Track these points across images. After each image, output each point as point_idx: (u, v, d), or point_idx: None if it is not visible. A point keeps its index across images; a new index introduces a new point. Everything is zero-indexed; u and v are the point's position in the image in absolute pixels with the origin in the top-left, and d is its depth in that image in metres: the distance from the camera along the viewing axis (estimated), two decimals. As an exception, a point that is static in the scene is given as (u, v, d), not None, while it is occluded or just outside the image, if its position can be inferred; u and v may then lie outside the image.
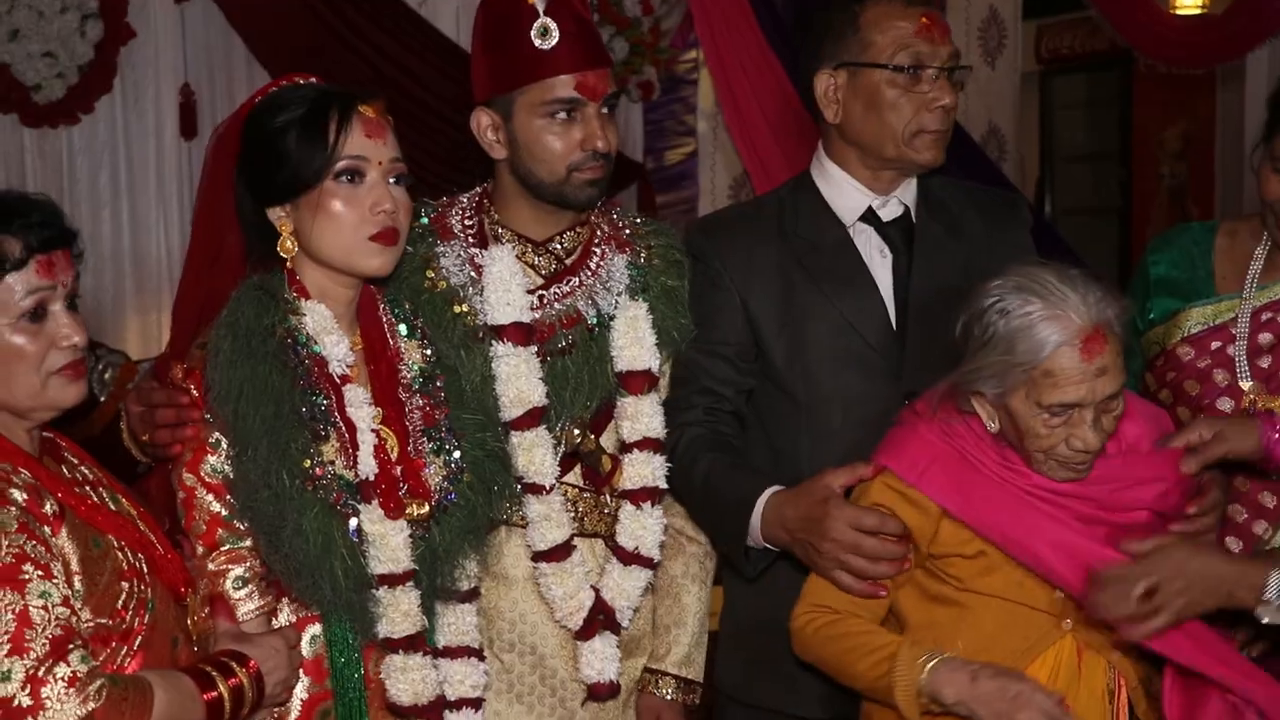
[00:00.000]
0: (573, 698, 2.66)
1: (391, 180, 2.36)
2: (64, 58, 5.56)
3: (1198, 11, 8.12)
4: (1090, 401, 2.25)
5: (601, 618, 2.60)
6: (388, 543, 2.31)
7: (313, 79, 2.43)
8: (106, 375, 5.00)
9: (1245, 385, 2.71)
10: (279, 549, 2.26)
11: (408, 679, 2.35)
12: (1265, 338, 2.71)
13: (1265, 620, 2.22)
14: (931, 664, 2.25)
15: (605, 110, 2.60)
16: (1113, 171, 10.63)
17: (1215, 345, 2.75)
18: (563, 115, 2.56)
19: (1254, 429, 2.47)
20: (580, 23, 2.57)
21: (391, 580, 2.32)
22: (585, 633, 2.60)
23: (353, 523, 2.30)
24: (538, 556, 2.58)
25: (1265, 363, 2.71)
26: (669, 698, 2.73)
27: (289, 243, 2.36)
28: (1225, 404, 2.72)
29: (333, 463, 2.31)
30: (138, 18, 5.70)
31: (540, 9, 2.53)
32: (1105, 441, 2.31)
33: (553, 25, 2.53)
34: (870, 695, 2.35)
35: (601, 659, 2.60)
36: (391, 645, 2.35)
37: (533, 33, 2.53)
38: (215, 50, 5.80)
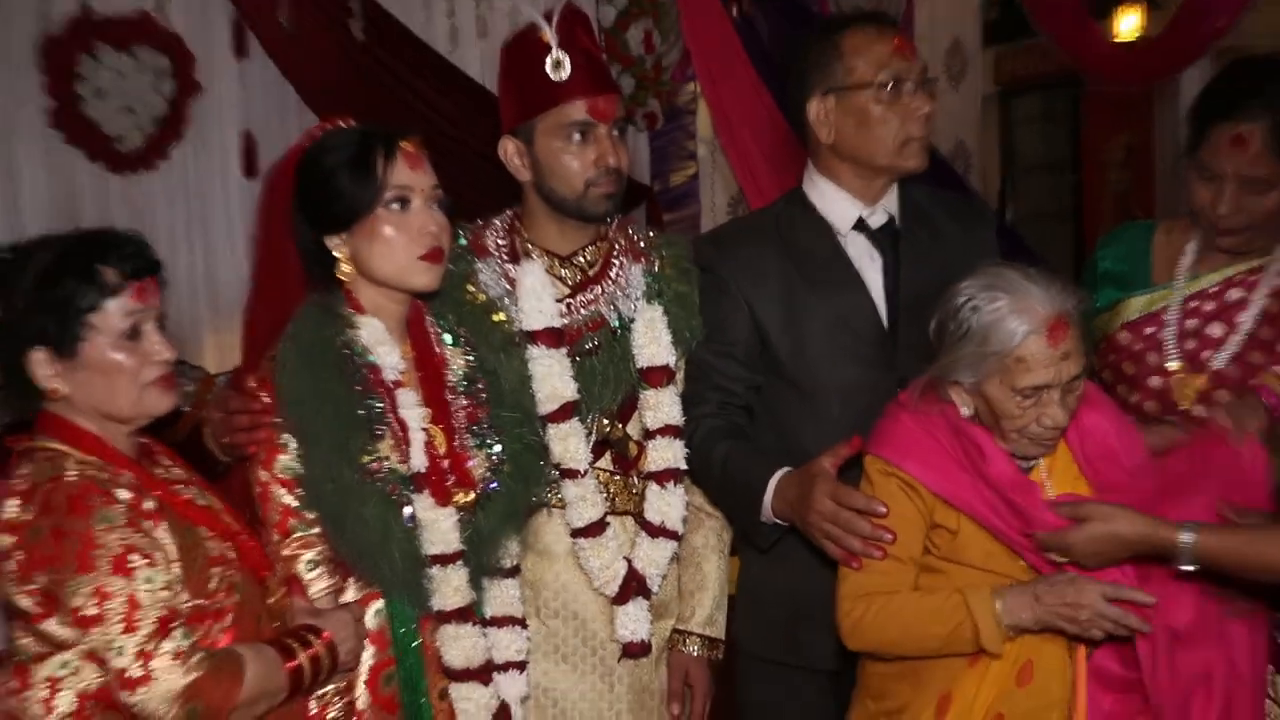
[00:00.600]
0: (611, 656, 2.65)
1: (433, 205, 2.36)
2: (142, 111, 5.57)
3: (1135, 37, 8.13)
4: (1058, 383, 2.24)
5: (634, 584, 2.61)
6: (438, 527, 2.31)
7: (351, 121, 2.43)
8: (188, 388, 5.00)
9: (1172, 365, 2.71)
10: (343, 535, 2.27)
11: (460, 646, 2.36)
12: (1192, 323, 2.72)
13: (1183, 566, 2.21)
14: (999, 601, 2.24)
15: (615, 132, 2.59)
16: (1065, 180, 10.59)
17: (1149, 330, 2.74)
18: (577, 136, 2.55)
19: (1259, 402, 2.45)
20: (589, 56, 2.57)
21: (443, 560, 2.32)
22: (620, 598, 2.61)
23: (407, 510, 2.31)
24: (576, 533, 2.58)
25: (1191, 345, 2.71)
26: (696, 654, 2.73)
27: (346, 266, 2.36)
28: (1155, 381, 2.72)
29: (388, 458, 2.31)
30: (204, 74, 5.69)
31: (553, 45, 2.54)
32: (1070, 418, 2.29)
33: (565, 58, 2.53)
34: (945, 651, 2.29)
35: (635, 621, 2.61)
36: (444, 617, 2.35)
37: (547, 66, 2.54)
38: (272, 99, 5.79)
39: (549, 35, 2.55)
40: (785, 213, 2.75)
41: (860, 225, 2.69)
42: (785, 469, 2.51)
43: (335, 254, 2.36)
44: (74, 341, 2.04)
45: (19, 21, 5.45)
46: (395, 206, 2.32)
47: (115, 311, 2.06)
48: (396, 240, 2.33)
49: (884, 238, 2.70)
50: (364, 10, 5.69)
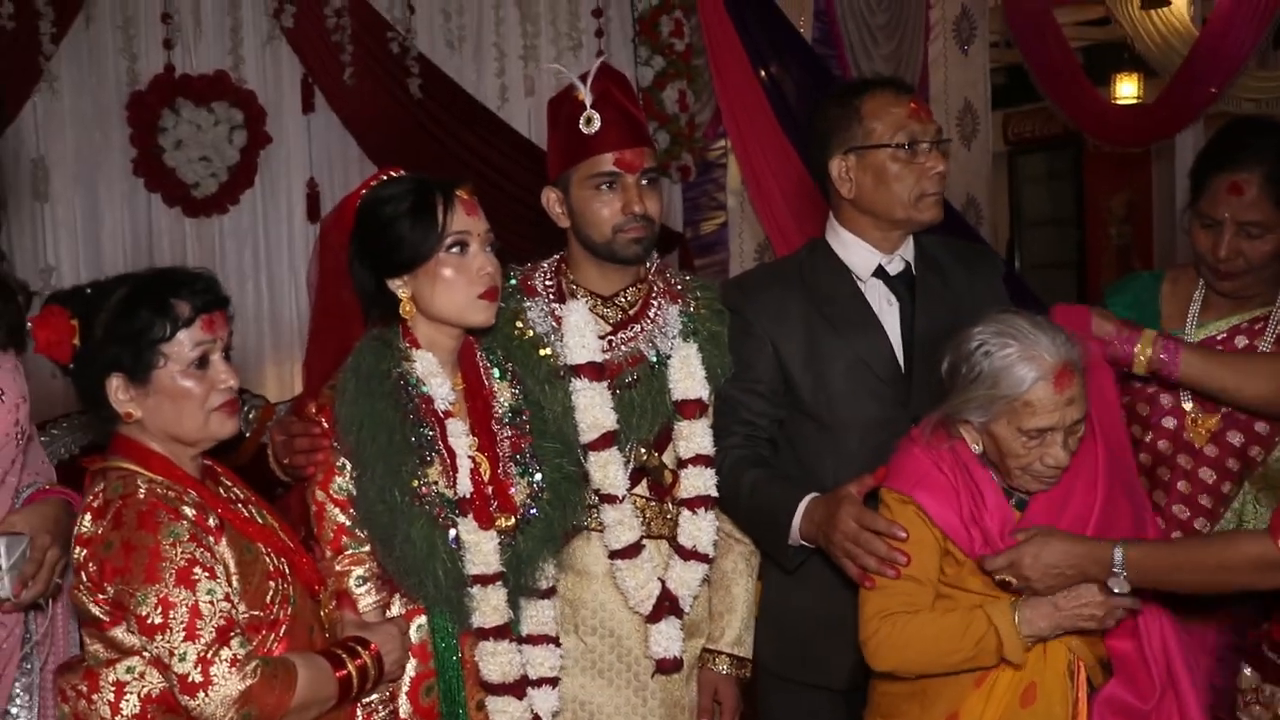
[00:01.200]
0: (645, 672, 2.61)
1: (487, 248, 2.35)
2: (216, 161, 5.62)
3: (1134, 101, 8.13)
4: (1061, 426, 2.22)
5: (667, 604, 2.57)
6: (480, 549, 2.28)
7: (403, 171, 2.41)
8: (250, 415, 5.02)
9: (1187, 406, 2.66)
10: (391, 553, 2.25)
11: (496, 661, 2.33)
12: None
13: (1115, 590, 2.19)
14: (1018, 613, 2.22)
15: (645, 182, 2.58)
16: (1069, 233, 10.56)
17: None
18: (605, 186, 2.55)
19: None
20: (622, 111, 2.57)
21: (483, 580, 2.29)
22: (654, 616, 2.57)
23: (452, 532, 2.28)
24: (613, 555, 2.56)
25: None
26: (725, 672, 2.69)
27: (408, 306, 2.34)
28: (1169, 422, 2.67)
29: (436, 483, 2.29)
30: (274, 127, 5.76)
31: (587, 103, 2.55)
32: (1071, 457, 2.26)
33: (595, 115, 2.54)
34: (968, 665, 2.26)
35: (667, 639, 2.57)
36: (483, 634, 2.32)
37: (580, 122, 2.55)
38: (335, 151, 5.84)
39: (583, 94, 2.56)
40: (808, 260, 2.72)
41: (879, 272, 2.66)
42: (813, 494, 2.49)
43: (398, 294, 2.34)
44: (147, 369, 2.05)
45: (110, 79, 5.55)
46: (455, 250, 2.31)
47: (186, 342, 2.06)
48: (457, 281, 2.31)
49: (901, 284, 2.67)
50: (421, 70, 5.74)
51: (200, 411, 2.08)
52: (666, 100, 6.17)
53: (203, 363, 2.07)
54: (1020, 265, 10.49)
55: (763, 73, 6.25)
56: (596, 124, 2.54)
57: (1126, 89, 8.27)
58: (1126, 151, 8.14)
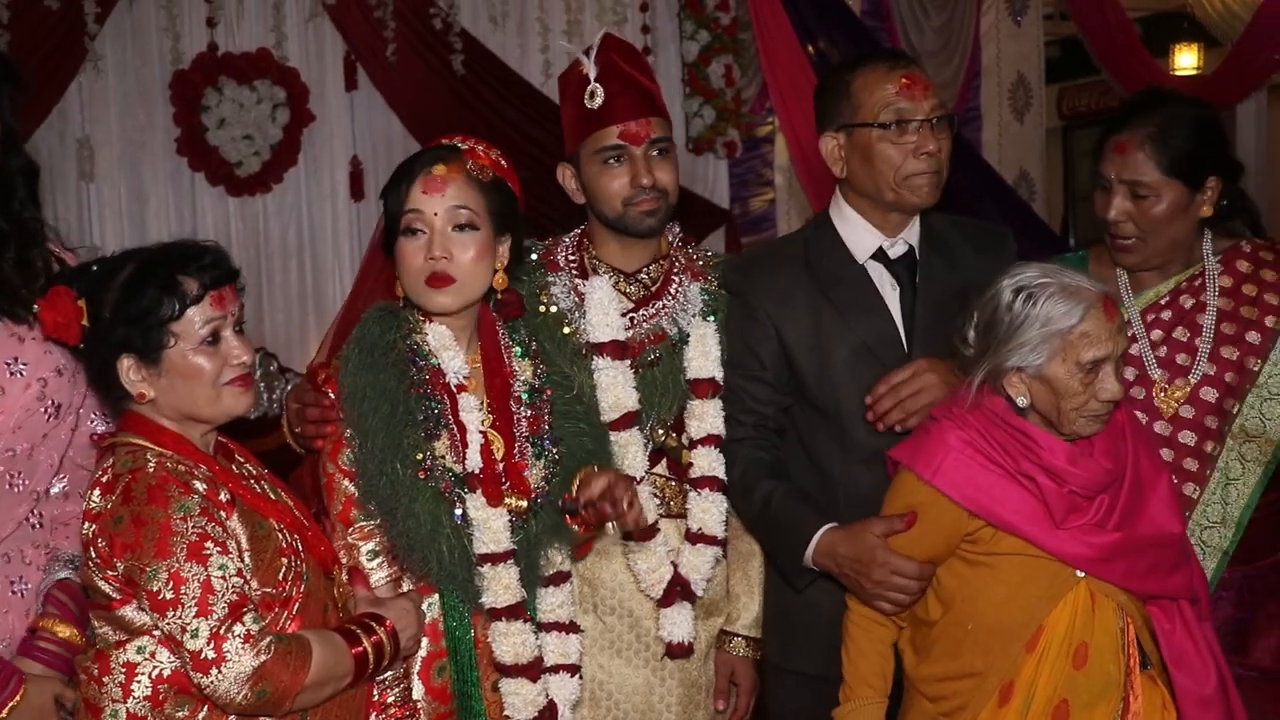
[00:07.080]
0: (662, 652, 2.58)
1: (452, 228, 2.27)
2: (259, 139, 5.65)
3: (1193, 73, 7.96)
4: (1115, 355, 2.22)
5: (679, 588, 2.53)
6: (490, 526, 2.24)
7: (457, 140, 2.34)
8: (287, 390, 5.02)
9: (1155, 375, 2.60)
10: (394, 528, 2.22)
11: (510, 643, 2.28)
12: (1157, 334, 2.64)
13: None
14: None
15: (655, 153, 2.54)
16: (1125, 209, 10.38)
17: None
18: (613, 160, 2.52)
19: None
20: (626, 83, 2.53)
21: (493, 559, 2.24)
22: (665, 601, 2.53)
23: (458, 510, 2.24)
24: (627, 535, 2.51)
25: (1163, 352, 2.62)
26: (741, 654, 2.67)
27: (399, 288, 2.33)
28: (1138, 392, 2.60)
29: (443, 457, 2.25)
30: (317, 105, 5.79)
31: (591, 76, 2.52)
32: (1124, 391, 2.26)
33: (599, 89, 2.51)
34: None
35: (678, 623, 2.53)
36: (495, 614, 2.28)
37: (585, 97, 2.52)
38: (378, 129, 5.85)
39: (587, 67, 2.53)
40: (814, 238, 2.63)
41: (879, 255, 2.57)
42: (828, 525, 2.41)
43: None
44: (158, 349, 2.02)
45: (154, 58, 5.57)
46: (411, 231, 2.26)
47: (196, 319, 2.02)
48: (408, 266, 2.27)
49: (902, 269, 2.57)
50: (464, 46, 5.72)
51: (212, 388, 2.05)
52: (712, 75, 6.11)
53: (214, 339, 2.05)
54: (1075, 241, 10.33)
55: (810, 47, 6.17)
56: (600, 98, 2.51)
57: (1185, 60, 8.10)
58: (1185, 125, 7.94)
